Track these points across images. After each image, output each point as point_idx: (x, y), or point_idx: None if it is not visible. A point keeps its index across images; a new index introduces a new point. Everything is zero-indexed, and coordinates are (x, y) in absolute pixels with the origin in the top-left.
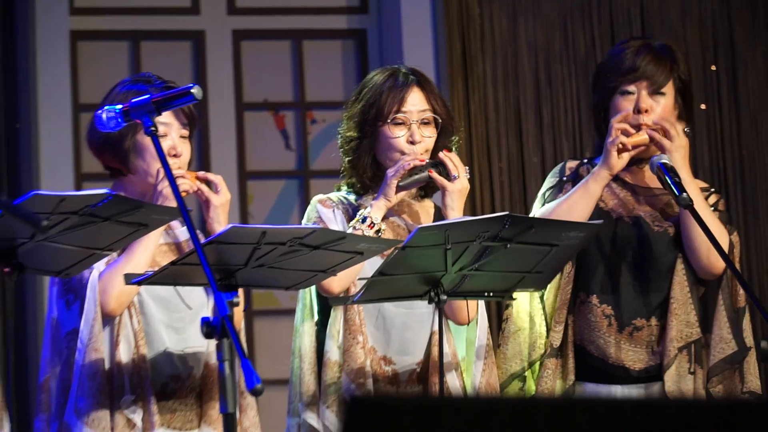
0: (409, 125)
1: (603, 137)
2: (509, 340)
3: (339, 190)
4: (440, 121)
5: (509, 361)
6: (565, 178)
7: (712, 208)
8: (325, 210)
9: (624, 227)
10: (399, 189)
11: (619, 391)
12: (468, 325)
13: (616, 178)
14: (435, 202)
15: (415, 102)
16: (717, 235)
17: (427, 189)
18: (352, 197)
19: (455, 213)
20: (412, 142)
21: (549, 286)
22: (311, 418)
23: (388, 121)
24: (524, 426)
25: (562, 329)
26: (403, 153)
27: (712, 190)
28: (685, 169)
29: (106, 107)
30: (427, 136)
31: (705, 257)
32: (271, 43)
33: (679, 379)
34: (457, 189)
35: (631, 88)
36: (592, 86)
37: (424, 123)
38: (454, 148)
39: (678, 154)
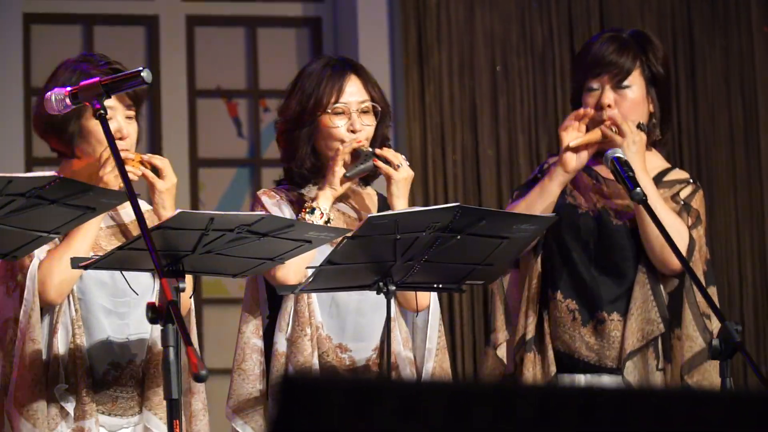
0: (348, 114)
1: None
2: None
3: (280, 184)
4: (379, 109)
5: None
6: (540, 174)
7: (682, 202)
8: (269, 201)
9: (586, 220)
10: (345, 179)
11: (583, 380)
12: (418, 313)
13: (590, 171)
14: (377, 190)
15: (354, 91)
16: (675, 231)
17: (368, 177)
18: (293, 189)
19: (401, 201)
20: (353, 131)
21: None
22: (237, 424)
23: (328, 110)
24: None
25: (533, 323)
26: (343, 142)
27: (690, 180)
28: (639, 164)
29: (54, 89)
30: (367, 125)
31: (659, 253)
32: (225, 30)
33: (647, 376)
34: (402, 177)
35: (595, 84)
36: (571, 80)
37: (364, 112)
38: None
39: (630, 150)
